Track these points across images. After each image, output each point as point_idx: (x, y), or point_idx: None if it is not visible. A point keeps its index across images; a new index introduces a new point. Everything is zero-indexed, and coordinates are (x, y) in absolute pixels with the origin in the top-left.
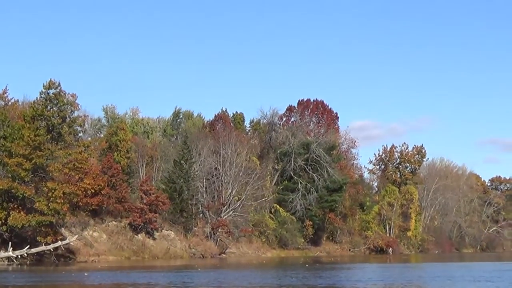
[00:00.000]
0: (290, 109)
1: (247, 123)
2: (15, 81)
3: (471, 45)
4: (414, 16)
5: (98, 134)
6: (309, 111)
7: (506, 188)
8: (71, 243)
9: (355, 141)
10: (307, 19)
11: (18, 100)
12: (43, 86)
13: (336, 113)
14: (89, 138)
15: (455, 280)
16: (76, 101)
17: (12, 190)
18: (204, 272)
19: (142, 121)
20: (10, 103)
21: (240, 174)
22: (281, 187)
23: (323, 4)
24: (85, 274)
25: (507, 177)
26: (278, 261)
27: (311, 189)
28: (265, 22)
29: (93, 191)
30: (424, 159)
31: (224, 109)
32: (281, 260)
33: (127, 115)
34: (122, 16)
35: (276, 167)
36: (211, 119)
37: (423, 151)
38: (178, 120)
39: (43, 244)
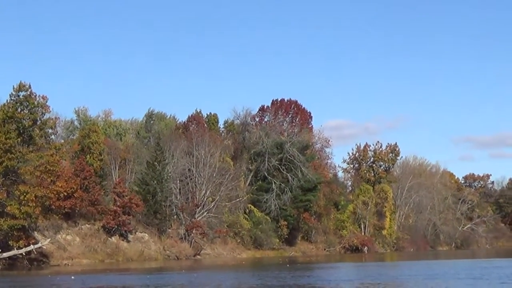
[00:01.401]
0: (263, 109)
1: (221, 124)
2: None
3: (445, 44)
4: (388, 16)
5: (70, 137)
6: (282, 111)
7: (479, 185)
8: (44, 247)
9: (329, 140)
10: (280, 19)
11: None
12: (13, 88)
13: (310, 113)
14: (62, 141)
15: (441, 277)
16: (47, 103)
17: None
18: (189, 273)
19: (115, 123)
20: None
21: (214, 175)
22: (255, 188)
23: (296, 4)
24: (72, 277)
25: (481, 174)
26: (256, 262)
27: (285, 189)
28: (238, 23)
29: (65, 194)
30: (398, 158)
31: (198, 110)
32: (258, 261)
33: (99, 117)
34: (94, 17)
35: (250, 167)
36: (184, 120)
37: (397, 149)
38: (151, 121)
39: (15, 248)
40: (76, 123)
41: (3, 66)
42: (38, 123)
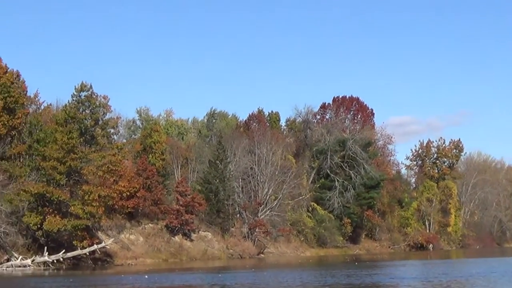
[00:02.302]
0: (324, 106)
1: (283, 122)
2: (49, 85)
3: (509, 38)
4: (450, 9)
5: (132, 136)
6: (344, 108)
7: None
8: (108, 247)
9: (392, 137)
10: (341, 15)
11: (51, 104)
12: (75, 88)
13: (372, 109)
14: (124, 140)
15: None
16: (108, 103)
17: (47, 194)
18: (259, 272)
19: (176, 122)
20: (42, 107)
21: (276, 173)
22: (318, 185)
23: (354, 1)
24: (145, 276)
25: None
26: (322, 260)
27: (348, 187)
28: (298, 19)
29: (128, 193)
30: (462, 154)
31: (260, 109)
32: (324, 259)
33: (161, 117)
34: (155, 18)
35: (312, 165)
36: (244, 119)
37: (460, 145)
38: (213, 120)
39: (79, 248)
40: (138, 122)
41: (65, 67)
42: (99, 123)
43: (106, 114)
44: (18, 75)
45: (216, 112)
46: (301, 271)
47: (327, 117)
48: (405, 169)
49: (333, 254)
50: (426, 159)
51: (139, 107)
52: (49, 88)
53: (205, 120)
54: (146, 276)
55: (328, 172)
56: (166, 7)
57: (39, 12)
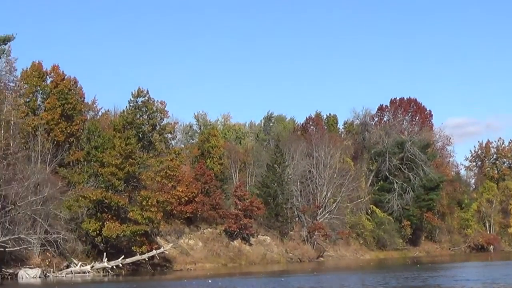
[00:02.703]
0: (381, 108)
1: (340, 125)
2: (106, 92)
3: None
4: (505, 8)
5: (190, 141)
6: (402, 110)
7: None
8: (167, 252)
9: (450, 138)
10: (395, 17)
11: (108, 110)
12: (132, 94)
13: (430, 111)
14: (182, 145)
15: None
16: (165, 108)
17: (106, 200)
18: (322, 275)
19: (234, 127)
20: (100, 113)
21: (335, 176)
22: (377, 188)
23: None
24: (209, 281)
25: None
26: (383, 263)
27: (408, 189)
28: (352, 21)
29: (186, 198)
30: None
31: (318, 112)
32: (385, 262)
33: (218, 121)
34: (207, 20)
35: (371, 167)
36: (301, 122)
37: None
38: (271, 124)
39: (138, 253)
40: (195, 127)
41: (123, 73)
42: (157, 128)
43: (163, 120)
44: (76, 82)
45: (273, 115)
46: (362, 274)
47: (385, 119)
48: (465, 170)
49: (393, 257)
50: (486, 159)
51: (197, 112)
52: (107, 94)
53: (262, 124)
54: (210, 281)
55: (387, 174)
56: (221, 10)
57: (95, 18)
